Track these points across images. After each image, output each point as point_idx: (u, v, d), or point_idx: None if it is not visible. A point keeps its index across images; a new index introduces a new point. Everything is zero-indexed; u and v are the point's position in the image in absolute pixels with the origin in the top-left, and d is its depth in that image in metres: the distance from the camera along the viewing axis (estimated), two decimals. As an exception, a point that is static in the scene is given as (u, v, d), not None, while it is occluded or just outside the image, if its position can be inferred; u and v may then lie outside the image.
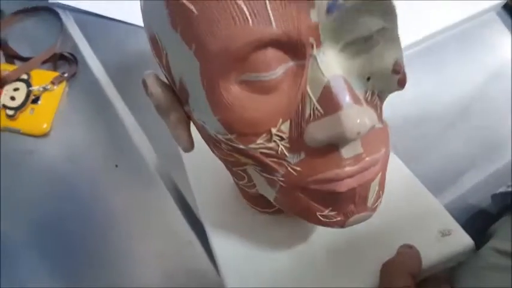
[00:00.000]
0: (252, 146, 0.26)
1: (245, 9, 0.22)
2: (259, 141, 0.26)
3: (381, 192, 0.29)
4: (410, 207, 0.38)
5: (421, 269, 0.34)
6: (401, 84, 0.28)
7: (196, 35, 0.24)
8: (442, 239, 0.36)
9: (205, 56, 0.24)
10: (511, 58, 0.61)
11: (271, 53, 0.23)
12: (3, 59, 0.57)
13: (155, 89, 0.29)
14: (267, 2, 0.22)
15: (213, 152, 0.31)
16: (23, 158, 0.51)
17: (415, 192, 0.40)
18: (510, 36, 0.62)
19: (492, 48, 0.62)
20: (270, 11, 0.22)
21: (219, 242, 0.39)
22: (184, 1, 0.23)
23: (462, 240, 0.37)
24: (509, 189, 0.47)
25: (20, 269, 0.46)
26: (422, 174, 0.42)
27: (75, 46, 0.57)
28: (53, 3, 0.60)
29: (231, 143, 0.27)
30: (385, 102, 0.28)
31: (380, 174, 0.28)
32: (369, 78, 0.26)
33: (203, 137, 0.30)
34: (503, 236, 0.47)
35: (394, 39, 0.26)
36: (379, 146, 0.27)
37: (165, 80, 0.30)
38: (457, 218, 0.40)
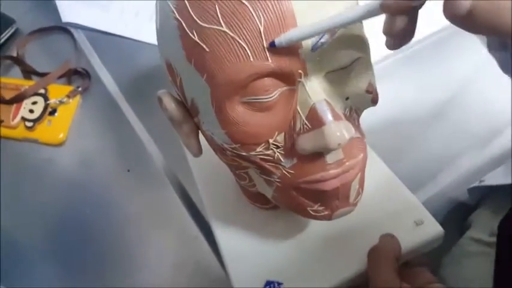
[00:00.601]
0: (253, 153, 0.32)
1: (247, 49, 0.27)
2: (259, 149, 0.31)
3: (360, 190, 0.34)
4: (389, 201, 0.43)
5: (401, 253, 0.38)
6: (374, 101, 0.34)
7: (207, 67, 0.29)
8: (417, 228, 0.42)
9: (214, 83, 0.29)
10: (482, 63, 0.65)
11: (268, 81, 0.29)
12: (21, 75, 0.62)
13: (170, 105, 0.35)
14: (265, 44, 0.27)
15: (219, 157, 0.36)
16: (42, 166, 0.56)
17: (393, 188, 0.45)
18: (480, 43, 0.66)
19: (465, 55, 0.66)
20: (267, 52, 0.28)
21: (223, 235, 0.44)
22: (198, 41, 0.29)
23: (434, 228, 0.42)
24: (481, 184, 0.52)
25: (36, 273, 0.49)
26: (404, 172, 0.46)
27: (87, 62, 0.62)
28: (66, 23, 0.65)
29: (235, 151, 0.32)
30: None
31: (359, 175, 0.33)
32: (347, 98, 0.32)
33: (211, 145, 0.36)
34: (478, 227, 0.52)
35: (367, 65, 0.32)
36: (357, 152, 0.33)
37: (177, 97, 0.36)
38: (438, 212, 0.45)
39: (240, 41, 0.28)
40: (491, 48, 0.37)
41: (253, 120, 0.30)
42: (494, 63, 0.60)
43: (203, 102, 0.31)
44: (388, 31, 0.26)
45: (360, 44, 0.31)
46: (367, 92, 0.32)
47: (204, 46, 0.29)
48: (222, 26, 0.28)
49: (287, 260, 0.42)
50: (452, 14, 0.23)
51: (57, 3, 0.67)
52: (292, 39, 0.27)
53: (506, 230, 0.46)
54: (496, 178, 0.50)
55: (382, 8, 0.24)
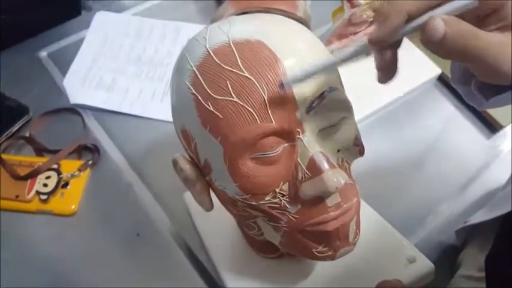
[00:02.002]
0: (262, 202, 0.36)
1: (254, 114, 0.34)
2: (267, 198, 0.36)
3: (357, 230, 0.39)
4: (382, 243, 0.48)
5: None
6: (361, 153, 0.40)
7: (221, 131, 0.35)
8: (410, 265, 0.46)
9: (228, 143, 0.35)
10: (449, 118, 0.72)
11: (272, 139, 0.35)
12: (33, 153, 0.66)
13: (185, 166, 0.40)
14: (269, 109, 0.34)
15: (229, 210, 0.41)
16: (55, 236, 0.59)
17: (384, 230, 0.50)
18: (446, 101, 0.74)
19: (434, 110, 0.73)
20: (270, 115, 0.34)
21: (233, 285, 0.47)
22: (213, 110, 0.35)
23: (425, 264, 0.46)
24: (466, 224, 0.56)
25: None
26: (391, 219, 0.51)
27: (96, 138, 0.67)
28: (75, 104, 0.70)
29: (246, 201, 0.37)
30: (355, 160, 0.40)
31: (355, 217, 0.38)
32: (338, 150, 0.38)
33: (221, 200, 0.40)
34: (467, 264, 0.55)
35: (352, 123, 0.39)
36: (351, 196, 0.38)
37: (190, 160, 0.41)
38: (428, 255, 0.49)
39: (248, 108, 0.34)
40: (454, 82, 0.42)
41: (262, 173, 0.35)
42: (460, 115, 0.68)
43: (216, 160, 0.36)
44: (378, 65, 0.32)
45: (345, 105, 0.38)
46: (355, 145, 0.39)
47: (218, 114, 0.34)
48: (233, 98, 0.34)
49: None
50: (428, 39, 0.28)
51: (65, 86, 0.73)
52: (297, 78, 0.33)
53: (492, 262, 0.50)
54: (478, 217, 0.54)
55: (369, 43, 0.30)
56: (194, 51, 0.37)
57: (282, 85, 0.34)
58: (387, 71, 0.33)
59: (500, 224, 0.51)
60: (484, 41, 0.28)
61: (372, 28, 0.65)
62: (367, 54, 0.32)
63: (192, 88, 0.36)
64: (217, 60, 0.35)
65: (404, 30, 0.29)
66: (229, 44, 0.35)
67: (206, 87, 0.35)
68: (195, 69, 0.36)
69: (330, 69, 0.35)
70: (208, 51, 0.35)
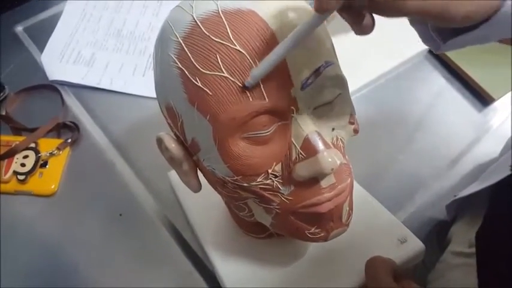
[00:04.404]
0: (254, 183, 0.35)
1: (246, 91, 0.31)
2: (259, 179, 0.35)
3: (350, 211, 0.38)
4: (373, 223, 0.47)
5: (397, 265, 0.41)
6: (355, 131, 0.38)
7: (210, 109, 0.33)
8: (401, 246, 0.45)
9: (217, 122, 0.33)
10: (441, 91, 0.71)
11: (265, 117, 0.33)
12: (10, 132, 0.63)
13: (170, 145, 0.37)
14: (262, 86, 0.31)
15: (218, 191, 0.39)
16: (35, 217, 0.57)
17: (375, 211, 0.49)
18: (437, 74, 0.73)
19: (424, 85, 0.72)
20: (263, 92, 0.32)
21: (222, 265, 0.46)
22: (202, 86, 0.32)
23: (416, 245, 0.46)
24: (456, 197, 0.55)
25: None
26: (380, 194, 0.51)
27: (75, 115, 0.65)
28: (53, 81, 0.68)
29: (237, 183, 0.35)
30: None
31: (349, 198, 0.37)
32: (333, 129, 0.36)
33: (210, 181, 0.39)
34: (457, 241, 0.55)
35: (347, 100, 0.37)
36: (345, 177, 0.36)
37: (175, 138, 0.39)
38: (418, 231, 0.49)
39: (240, 84, 0.31)
40: (411, 22, 0.40)
41: (254, 153, 0.34)
42: (449, 89, 0.66)
43: (205, 140, 0.34)
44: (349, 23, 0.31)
45: (341, 82, 0.35)
46: (350, 123, 0.37)
47: (207, 90, 0.32)
48: (223, 73, 0.31)
49: (284, 284, 0.44)
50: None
51: (43, 62, 0.70)
52: (256, 76, 0.31)
53: (482, 238, 0.49)
54: (469, 190, 0.53)
55: (316, 11, 0.28)
56: (179, 21, 0.34)
57: (244, 86, 0.31)
58: (357, 29, 0.31)
59: (490, 196, 0.50)
60: None
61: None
62: (323, 22, 0.30)
63: (177, 62, 0.33)
64: (205, 32, 0.32)
65: None
66: (219, 13, 0.32)
67: (193, 61, 0.32)
68: (181, 41, 0.33)
69: (290, 51, 0.31)
70: (196, 21, 0.33)
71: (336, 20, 0.60)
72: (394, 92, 0.70)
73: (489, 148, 0.64)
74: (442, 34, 0.37)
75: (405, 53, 0.72)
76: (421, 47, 0.72)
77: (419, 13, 0.29)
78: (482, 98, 0.70)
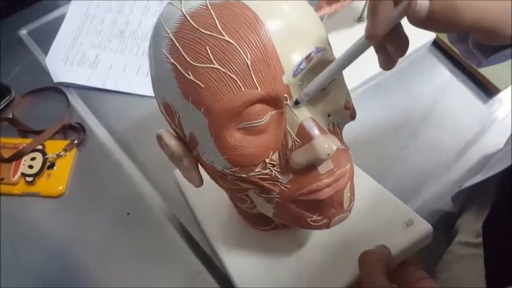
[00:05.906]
0: (252, 174, 0.35)
1: (238, 81, 0.31)
2: (257, 169, 0.35)
3: (352, 196, 0.38)
4: (378, 208, 0.47)
5: (391, 257, 0.41)
6: (352, 116, 0.38)
7: (204, 101, 0.33)
8: (407, 229, 0.45)
9: (212, 114, 0.33)
10: (446, 85, 0.71)
11: (258, 106, 0.33)
12: (18, 135, 0.64)
13: (170, 141, 0.38)
14: (253, 74, 0.31)
15: (220, 184, 0.39)
16: (43, 218, 0.57)
17: (380, 196, 0.48)
18: (442, 66, 0.72)
19: (429, 77, 0.71)
20: (255, 80, 0.32)
21: (230, 259, 0.46)
22: (194, 79, 0.32)
23: (423, 227, 0.45)
24: (462, 188, 0.54)
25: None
26: (387, 186, 0.50)
27: (81, 117, 0.65)
28: (58, 83, 0.68)
29: (236, 174, 0.35)
30: (350, 130, 0.38)
31: (349, 183, 0.37)
32: (329, 115, 0.36)
33: (211, 174, 0.39)
34: (464, 231, 0.55)
35: (342, 85, 0.37)
36: (344, 162, 0.36)
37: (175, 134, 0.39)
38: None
39: (231, 74, 0.31)
40: (452, 42, 0.40)
41: (250, 143, 0.34)
42: (456, 80, 0.66)
43: (202, 133, 0.35)
44: (381, 58, 0.32)
45: None
46: (345, 108, 0.37)
47: (200, 83, 0.32)
48: (214, 64, 0.31)
49: (292, 274, 0.44)
50: (414, 18, 0.27)
51: (48, 65, 0.70)
52: (309, 92, 0.33)
53: (489, 228, 0.49)
54: (475, 180, 0.53)
55: (367, 39, 0.29)
56: (170, 17, 0.34)
57: (296, 102, 0.33)
58: (391, 60, 0.33)
59: (497, 186, 0.50)
60: (477, 9, 0.27)
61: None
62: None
63: (169, 57, 0.33)
64: (194, 25, 0.32)
65: (394, 16, 0.28)
66: (207, 6, 0.32)
67: (185, 55, 0.32)
68: (172, 36, 0.33)
69: (339, 73, 0.34)
70: (185, 16, 0.33)
71: (339, 15, 0.60)
72: (399, 85, 0.70)
73: (495, 139, 0.64)
74: (482, 50, 0.37)
75: (409, 46, 0.71)
76: (425, 39, 0.73)
77: (473, 28, 0.28)
78: (487, 89, 0.70)
